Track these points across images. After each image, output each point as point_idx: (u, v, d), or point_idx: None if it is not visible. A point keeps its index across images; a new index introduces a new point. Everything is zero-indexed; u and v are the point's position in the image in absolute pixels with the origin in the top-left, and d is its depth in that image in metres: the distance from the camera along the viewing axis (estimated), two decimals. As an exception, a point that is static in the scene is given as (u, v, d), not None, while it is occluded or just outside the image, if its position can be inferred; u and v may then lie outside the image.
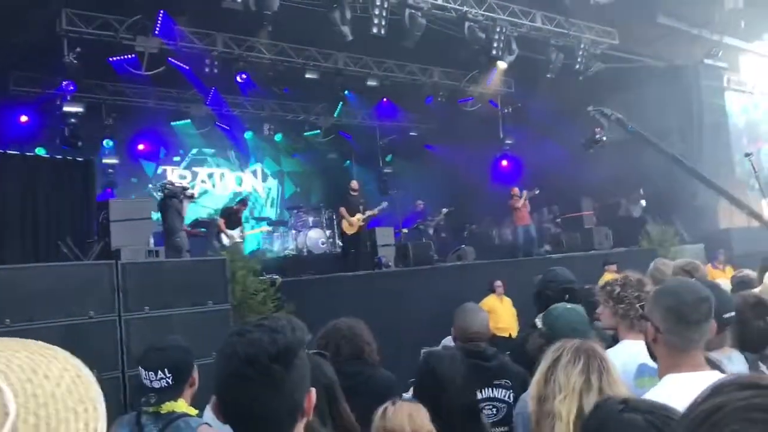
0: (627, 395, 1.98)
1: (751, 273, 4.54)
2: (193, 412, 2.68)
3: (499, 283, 10.23)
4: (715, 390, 0.84)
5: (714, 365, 2.22)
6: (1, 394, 0.82)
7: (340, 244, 14.55)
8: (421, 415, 2.26)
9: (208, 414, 3.14)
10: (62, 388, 0.87)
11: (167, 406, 2.64)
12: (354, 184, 13.44)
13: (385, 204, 14.32)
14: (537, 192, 15.01)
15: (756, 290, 3.42)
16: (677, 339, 2.08)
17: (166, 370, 2.64)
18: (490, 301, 9.79)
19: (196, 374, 2.79)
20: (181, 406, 2.67)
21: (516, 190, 14.94)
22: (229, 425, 1.44)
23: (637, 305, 2.94)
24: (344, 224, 12.79)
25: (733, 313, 2.59)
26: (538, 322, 3.50)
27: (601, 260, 11.09)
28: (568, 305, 3.08)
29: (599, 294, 3.21)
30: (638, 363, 2.67)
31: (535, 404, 2.06)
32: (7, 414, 0.82)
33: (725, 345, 2.74)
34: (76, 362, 0.94)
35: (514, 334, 9.21)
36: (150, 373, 2.65)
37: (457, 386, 2.71)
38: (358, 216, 12.61)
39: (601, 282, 7.19)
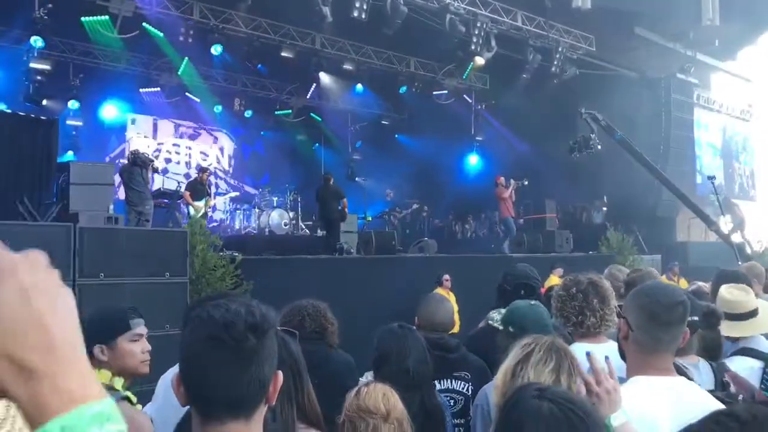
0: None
1: (705, 286, 4.62)
2: (118, 385, 2.51)
3: (447, 277, 10.27)
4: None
5: (681, 372, 2.24)
6: None
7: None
8: (396, 396, 2.27)
9: (160, 389, 3.06)
10: None
11: None
12: None
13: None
14: (526, 183, 14.51)
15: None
16: (647, 338, 2.10)
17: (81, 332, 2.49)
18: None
19: (113, 352, 2.57)
20: (103, 376, 2.49)
21: (502, 179, 14.09)
22: (192, 404, 1.38)
23: (597, 309, 2.97)
24: None
25: (695, 318, 2.63)
26: (494, 315, 3.48)
27: (561, 263, 11.23)
28: (532, 302, 3.09)
29: (555, 299, 3.22)
30: (585, 367, 2.69)
31: (499, 396, 2.05)
32: None
33: (692, 352, 2.76)
34: None
35: (456, 330, 9.23)
36: None
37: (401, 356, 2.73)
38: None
39: (547, 284, 7.29)
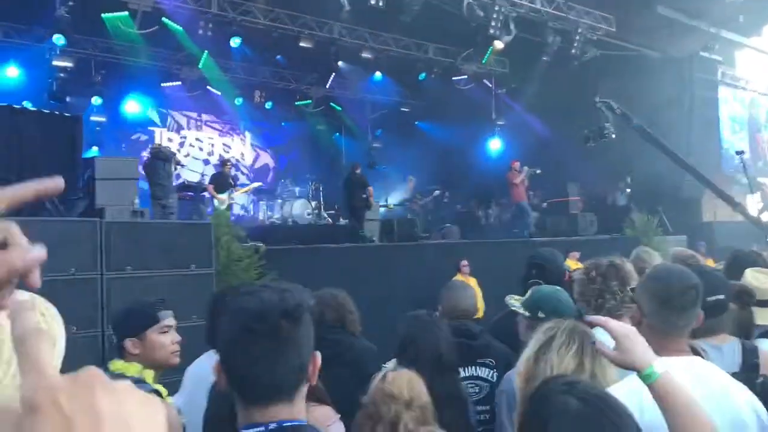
0: (616, 381, 1.98)
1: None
2: (149, 378, 2.55)
3: (465, 262, 10.22)
4: None
5: (696, 353, 2.24)
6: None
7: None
8: (421, 384, 2.29)
9: (187, 380, 3.12)
10: None
11: (115, 365, 2.56)
12: None
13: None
14: (539, 172, 14.66)
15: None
16: (660, 322, 2.09)
17: (111, 326, 2.57)
18: None
19: (143, 343, 2.62)
20: (133, 369, 2.55)
21: (517, 164, 14.40)
22: (235, 390, 1.42)
23: (617, 291, 2.95)
24: None
25: (721, 297, 2.59)
26: (510, 301, 3.46)
27: (585, 246, 11.15)
28: (555, 288, 3.09)
29: (576, 283, 3.20)
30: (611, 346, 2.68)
31: (522, 382, 2.06)
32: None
33: (722, 332, 2.68)
34: (41, 300, 0.94)
35: (480, 315, 9.23)
36: None
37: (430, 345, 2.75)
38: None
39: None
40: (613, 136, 11.59)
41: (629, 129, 12.96)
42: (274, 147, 20.70)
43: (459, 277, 10.01)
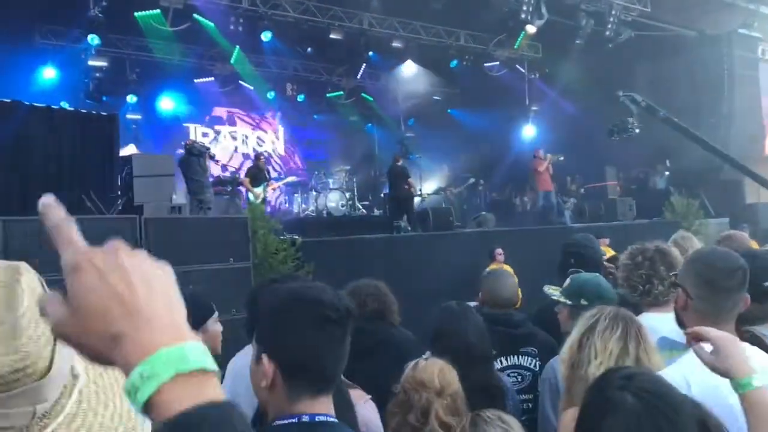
0: (661, 365, 1.94)
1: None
2: None
3: (500, 251, 10.07)
4: None
5: (756, 339, 2.16)
6: (73, 359, 0.98)
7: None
8: (453, 373, 2.28)
9: (228, 374, 3.13)
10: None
11: None
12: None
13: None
14: (562, 159, 14.55)
15: None
16: (708, 306, 2.04)
17: None
18: None
19: (204, 331, 2.70)
20: None
21: (540, 152, 14.30)
22: (286, 382, 1.44)
23: (665, 277, 2.88)
24: None
25: None
26: (549, 290, 3.39)
27: (624, 231, 10.98)
28: (595, 274, 3.04)
29: (621, 269, 3.14)
30: (658, 336, 2.62)
31: (567, 369, 2.03)
32: (77, 377, 0.99)
33: None
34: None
35: (517, 304, 9.12)
36: None
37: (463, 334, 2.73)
38: None
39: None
40: (637, 130, 11.40)
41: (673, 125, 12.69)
42: (307, 139, 20.78)
43: (494, 265, 9.91)
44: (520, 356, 3.14)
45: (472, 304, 3.42)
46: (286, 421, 1.42)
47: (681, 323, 2.18)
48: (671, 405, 1.38)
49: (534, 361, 3.14)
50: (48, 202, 0.75)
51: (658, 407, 1.36)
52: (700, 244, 4.31)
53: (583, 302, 2.80)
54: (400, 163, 12.93)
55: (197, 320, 2.69)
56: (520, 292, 9.78)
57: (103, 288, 0.69)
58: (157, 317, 0.70)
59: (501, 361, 3.11)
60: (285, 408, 1.43)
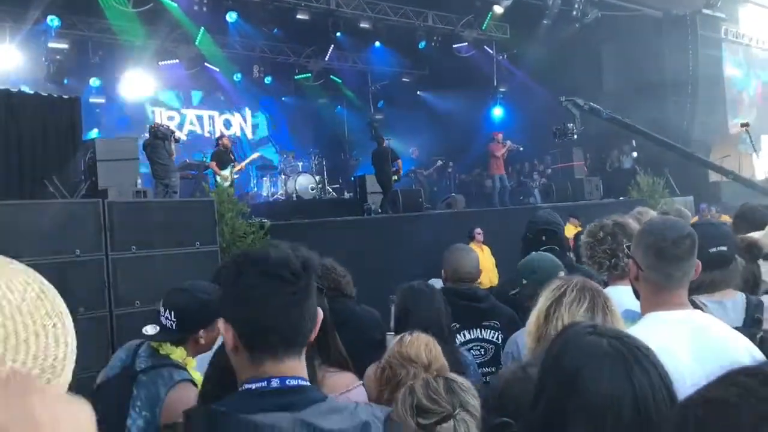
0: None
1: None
2: (192, 365, 2.56)
3: (479, 230, 10.14)
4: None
5: (696, 307, 2.19)
6: None
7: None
8: (438, 347, 2.28)
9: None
10: (28, 302, 0.83)
11: (165, 349, 2.57)
12: None
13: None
14: (521, 149, 14.86)
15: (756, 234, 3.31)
16: (658, 275, 2.05)
17: (173, 313, 2.56)
18: None
19: (211, 334, 2.60)
20: (179, 354, 2.55)
21: (500, 135, 14.60)
22: (245, 344, 1.39)
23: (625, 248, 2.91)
24: None
25: (723, 248, 2.53)
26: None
27: (591, 210, 11.08)
28: (543, 253, 3.07)
29: (583, 247, 3.17)
30: (623, 308, 2.65)
31: (533, 341, 2.03)
32: None
33: (727, 287, 2.60)
34: (38, 276, 0.90)
35: (495, 283, 9.22)
36: (161, 308, 2.59)
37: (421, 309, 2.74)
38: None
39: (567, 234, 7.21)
40: (575, 136, 11.71)
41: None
42: (275, 122, 20.56)
43: (473, 245, 9.97)
44: (483, 329, 3.16)
45: (438, 281, 3.44)
46: (254, 385, 1.37)
47: (636, 293, 2.20)
48: (640, 345, 1.38)
49: (497, 334, 3.16)
50: None
51: (633, 347, 1.36)
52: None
53: (524, 281, 2.83)
54: (382, 146, 12.92)
55: (210, 320, 2.57)
56: (496, 271, 9.90)
57: None
58: None
59: (464, 335, 3.13)
60: (250, 371, 1.39)
